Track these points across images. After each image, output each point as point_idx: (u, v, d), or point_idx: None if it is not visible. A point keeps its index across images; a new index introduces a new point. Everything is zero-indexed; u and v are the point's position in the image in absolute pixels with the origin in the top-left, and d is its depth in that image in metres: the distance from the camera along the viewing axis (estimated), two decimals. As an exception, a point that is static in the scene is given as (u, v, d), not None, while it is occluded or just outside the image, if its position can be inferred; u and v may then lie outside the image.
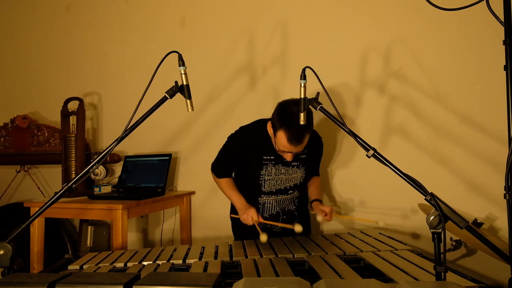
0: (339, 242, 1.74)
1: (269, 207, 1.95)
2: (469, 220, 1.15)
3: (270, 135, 1.81)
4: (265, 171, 1.88)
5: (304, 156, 1.92)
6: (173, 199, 2.56)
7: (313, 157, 2.01)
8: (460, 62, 2.11)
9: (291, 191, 1.96)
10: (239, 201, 1.93)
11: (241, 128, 1.95)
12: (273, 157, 1.87)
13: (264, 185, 1.91)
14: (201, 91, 2.59)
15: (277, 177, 1.90)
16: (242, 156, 1.90)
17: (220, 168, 2.01)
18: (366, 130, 2.27)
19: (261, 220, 1.87)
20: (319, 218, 1.91)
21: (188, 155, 2.72)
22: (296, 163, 1.91)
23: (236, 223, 2.04)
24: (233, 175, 2.05)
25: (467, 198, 2.07)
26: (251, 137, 1.90)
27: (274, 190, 1.92)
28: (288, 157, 1.78)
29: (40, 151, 2.93)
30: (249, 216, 1.83)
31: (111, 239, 2.65)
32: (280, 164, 1.88)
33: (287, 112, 1.66)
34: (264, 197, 1.93)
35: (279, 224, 1.91)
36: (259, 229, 1.77)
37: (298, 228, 1.81)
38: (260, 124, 1.91)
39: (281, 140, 1.68)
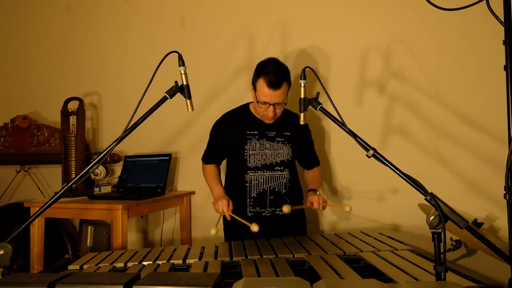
0: (339, 242, 1.74)
1: (256, 184, 1.94)
2: (469, 220, 1.15)
3: (254, 108, 1.93)
4: (249, 145, 1.93)
5: (289, 133, 1.97)
6: (173, 199, 2.56)
7: (299, 139, 2.01)
8: (460, 62, 2.11)
9: (278, 168, 1.96)
10: (216, 190, 2.00)
11: (225, 113, 2.06)
12: (256, 132, 1.94)
13: (249, 160, 1.93)
14: (201, 91, 2.59)
15: (261, 151, 1.93)
16: (226, 136, 1.98)
17: (206, 155, 2.12)
18: (366, 130, 2.26)
19: (231, 213, 1.84)
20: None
21: (188, 155, 2.72)
22: (280, 139, 1.96)
23: (227, 223, 2.03)
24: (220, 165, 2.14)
25: (467, 198, 2.07)
26: (233, 117, 2.01)
27: (260, 166, 1.94)
28: (270, 112, 1.81)
29: (40, 151, 2.93)
30: (220, 207, 1.85)
31: (111, 239, 2.65)
32: (264, 139, 1.94)
33: (264, 64, 1.82)
34: (250, 174, 1.94)
35: (244, 221, 1.79)
36: (227, 216, 1.84)
37: (254, 227, 1.73)
38: (241, 106, 2.05)
39: (261, 89, 1.78)
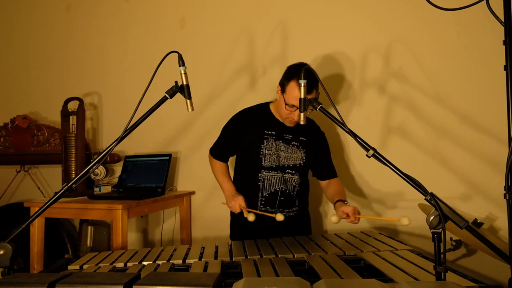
0: (339, 242, 1.74)
1: (269, 184, 1.95)
2: (469, 220, 1.15)
3: (275, 109, 1.93)
4: (266, 145, 1.93)
5: (304, 139, 1.97)
6: (173, 199, 2.56)
7: (314, 145, 2.00)
8: (460, 62, 2.11)
9: (289, 171, 1.96)
10: (228, 188, 1.99)
11: (243, 109, 2.03)
12: (274, 132, 1.93)
13: (265, 160, 1.93)
14: (201, 91, 2.59)
15: (277, 152, 1.93)
16: (243, 133, 1.95)
17: (217, 149, 2.08)
18: (366, 130, 2.27)
19: (248, 208, 1.87)
20: (334, 218, 1.76)
21: (188, 155, 2.72)
22: (296, 143, 1.96)
23: (236, 221, 2.05)
24: (228, 163, 2.10)
25: (467, 198, 2.07)
26: (253, 114, 1.99)
27: (274, 166, 1.94)
28: (295, 115, 1.80)
29: (40, 151, 2.93)
30: (237, 204, 1.87)
31: (111, 239, 2.65)
32: (280, 141, 1.94)
33: (296, 68, 1.78)
34: (264, 173, 1.94)
35: (261, 213, 1.87)
36: (245, 212, 1.81)
37: (279, 217, 1.77)
38: (261, 104, 2.03)
39: (292, 90, 1.75)
